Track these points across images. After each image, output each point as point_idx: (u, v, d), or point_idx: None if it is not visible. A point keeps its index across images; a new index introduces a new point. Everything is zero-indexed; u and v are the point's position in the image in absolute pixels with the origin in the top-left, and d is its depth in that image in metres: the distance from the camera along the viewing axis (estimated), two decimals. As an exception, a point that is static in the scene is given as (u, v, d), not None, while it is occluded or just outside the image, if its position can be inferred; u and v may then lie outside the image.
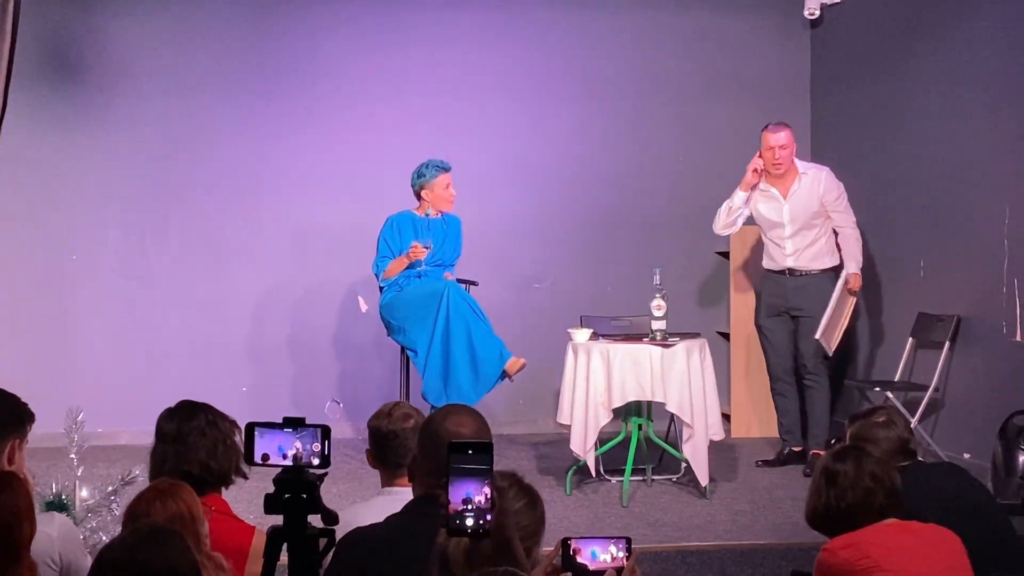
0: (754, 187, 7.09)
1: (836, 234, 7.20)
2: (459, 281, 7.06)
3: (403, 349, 6.97)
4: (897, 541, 3.50)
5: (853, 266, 7.12)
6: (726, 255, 8.18)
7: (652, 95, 8.46)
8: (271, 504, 2.59)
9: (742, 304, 7.97)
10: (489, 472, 2.23)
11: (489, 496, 2.22)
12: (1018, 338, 6.40)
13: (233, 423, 3.75)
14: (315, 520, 2.62)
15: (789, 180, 7.09)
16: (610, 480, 6.56)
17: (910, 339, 7.18)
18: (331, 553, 2.80)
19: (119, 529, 3.32)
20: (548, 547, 2.52)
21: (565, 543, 2.43)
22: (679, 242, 8.30)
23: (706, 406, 6.27)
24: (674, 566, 5.29)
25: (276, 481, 2.59)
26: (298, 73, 8.17)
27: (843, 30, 8.23)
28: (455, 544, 2.33)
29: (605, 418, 6.27)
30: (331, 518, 2.65)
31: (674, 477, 6.67)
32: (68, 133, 7.94)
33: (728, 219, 7.12)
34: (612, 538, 2.45)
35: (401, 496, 3.25)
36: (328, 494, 2.73)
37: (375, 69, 8.22)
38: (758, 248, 7.49)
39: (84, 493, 4.54)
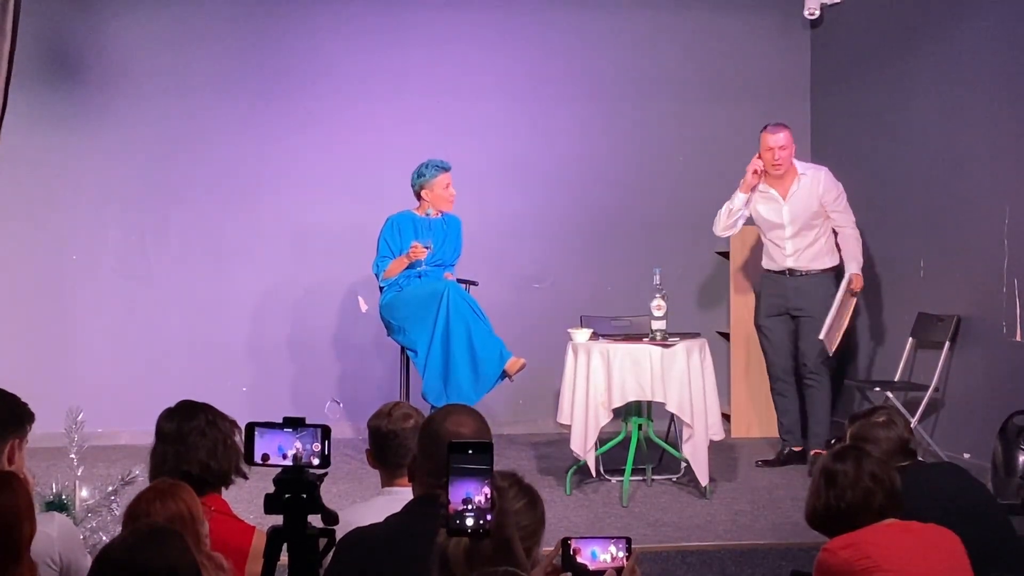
0: (753, 188, 7.09)
1: (835, 234, 7.20)
2: (459, 281, 7.06)
3: (403, 349, 6.97)
4: (897, 541, 3.50)
5: (854, 266, 7.13)
6: (726, 255, 8.18)
7: (652, 95, 8.46)
8: (271, 504, 2.59)
9: (742, 304, 7.97)
10: (489, 472, 2.23)
11: (489, 496, 2.22)
12: (1018, 338, 6.40)
13: (233, 423, 3.75)
14: (315, 520, 2.62)
15: (788, 181, 7.09)
16: (610, 480, 6.56)
17: (910, 339, 7.18)
18: (331, 553, 2.80)
19: (119, 529, 3.32)
20: (548, 547, 2.52)
21: (565, 543, 2.43)
22: (679, 242, 8.30)
23: (706, 406, 6.27)
24: (674, 566, 5.29)
25: (276, 481, 2.59)
26: (298, 73, 8.17)
27: (843, 30, 8.23)
28: (455, 544, 2.33)
29: (605, 418, 6.27)
30: (331, 518, 2.65)
31: (674, 477, 6.67)
32: (68, 133, 7.94)
33: (728, 221, 7.12)
34: (612, 538, 2.45)
35: (401, 496, 3.25)
36: (328, 494, 2.73)
37: (375, 69, 8.22)
38: (758, 248, 7.49)
39: (84, 493, 4.54)
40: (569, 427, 6.34)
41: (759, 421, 8.00)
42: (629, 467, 6.34)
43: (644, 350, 6.28)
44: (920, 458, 4.35)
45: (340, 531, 2.77)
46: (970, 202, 6.82)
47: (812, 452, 7.02)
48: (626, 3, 8.44)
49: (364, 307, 8.08)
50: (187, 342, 8.05)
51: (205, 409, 3.77)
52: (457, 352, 6.67)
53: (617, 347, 6.31)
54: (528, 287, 8.35)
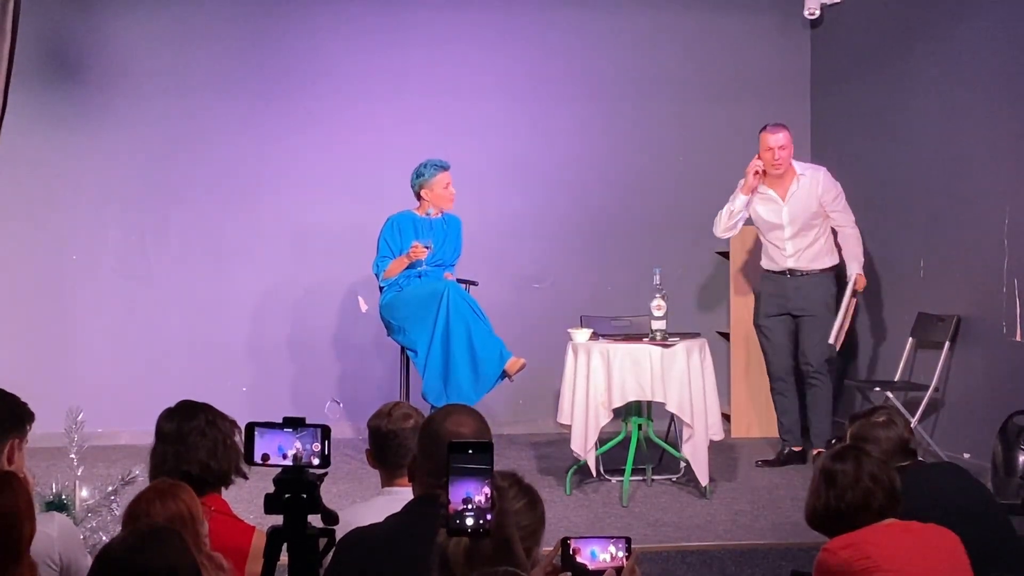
0: (754, 190, 7.08)
1: (835, 233, 7.20)
2: (459, 281, 7.06)
3: (403, 349, 6.97)
4: (897, 541, 3.50)
5: (856, 266, 7.13)
6: (726, 255, 8.18)
7: (652, 95, 8.46)
8: (271, 504, 2.59)
9: (742, 304, 7.97)
10: (489, 472, 2.23)
11: (489, 496, 2.22)
12: (1018, 338, 6.40)
13: (233, 423, 3.75)
14: (315, 520, 2.62)
15: (787, 181, 7.09)
16: (610, 480, 6.56)
17: (910, 339, 7.19)
18: (331, 553, 2.80)
19: (119, 529, 3.32)
20: (548, 547, 2.52)
21: (565, 543, 2.43)
22: (679, 242, 8.30)
23: (706, 406, 6.27)
24: (674, 566, 5.29)
25: (276, 481, 2.59)
26: (298, 73, 8.17)
27: (843, 30, 8.23)
28: (455, 544, 2.33)
29: (605, 418, 6.27)
30: (331, 518, 2.65)
31: (674, 477, 6.67)
32: (68, 133, 7.94)
33: (729, 223, 7.11)
34: (612, 538, 2.45)
35: (401, 496, 3.25)
36: (328, 494, 2.73)
37: (375, 69, 8.22)
38: (758, 248, 7.49)
39: (84, 493, 4.54)
40: (569, 427, 6.34)
41: (759, 421, 8.00)
42: (629, 467, 6.34)
43: (644, 350, 6.28)
44: (920, 458, 4.35)
45: (340, 531, 2.77)
46: (970, 202, 6.82)
47: (814, 451, 7.02)
48: (626, 3, 8.44)
49: (364, 307, 8.08)
50: (187, 342, 8.05)
51: (205, 409, 3.77)
52: (457, 352, 6.67)
53: (617, 347, 6.31)
54: (528, 287, 8.35)
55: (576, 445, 6.29)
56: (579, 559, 2.42)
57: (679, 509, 6.15)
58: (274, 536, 2.61)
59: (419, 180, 6.96)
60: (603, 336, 6.55)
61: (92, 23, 7.98)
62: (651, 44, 8.47)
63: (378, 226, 7.03)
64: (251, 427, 2.59)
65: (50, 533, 3.36)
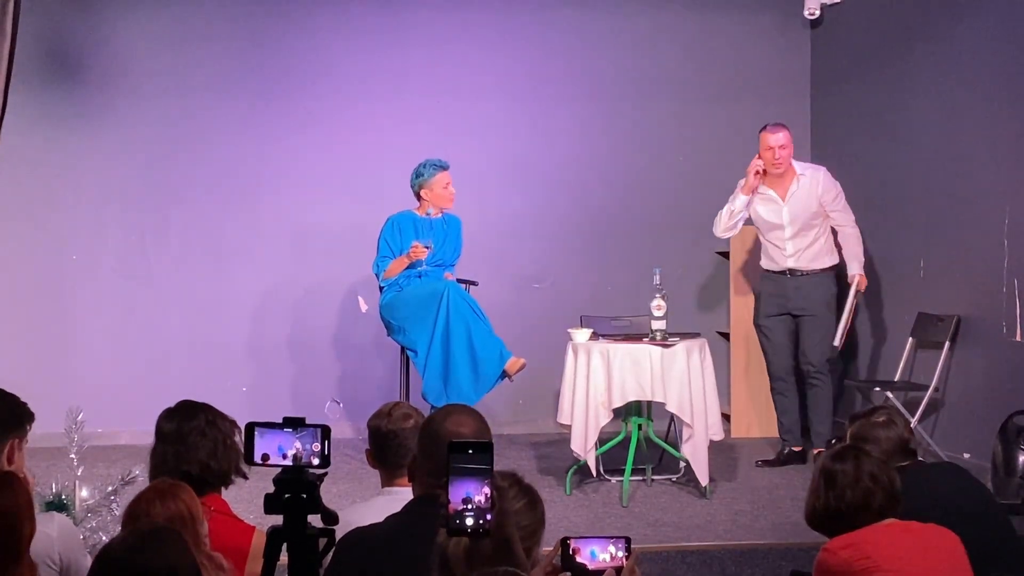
0: (754, 190, 7.08)
1: (834, 233, 7.20)
2: (459, 281, 7.06)
3: (403, 349, 6.97)
4: (897, 541, 3.50)
5: (857, 267, 7.13)
6: (726, 255, 8.18)
7: (652, 95, 8.46)
8: (271, 504, 2.59)
9: (742, 304, 7.97)
10: (489, 472, 2.23)
11: (489, 496, 2.22)
12: (1018, 338, 6.40)
13: (233, 423, 3.75)
14: (315, 520, 2.62)
15: (787, 181, 7.09)
16: (610, 480, 6.56)
17: (910, 339, 7.19)
18: (331, 553, 2.80)
19: (119, 529, 3.32)
20: (548, 547, 2.52)
21: (564, 543, 2.43)
22: (679, 242, 8.30)
23: (706, 406, 6.27)
24: (674, 566, 5.29)
25: (276, 481, 2.59)
26: (298, 73, 8.17)
27: (843, 30, 8.23)
28: (455, 544, 2.33)
29: (605, 418, 6.27)
30: (331, 518, 2.65)
31: (674, 477, 6.67)
32: (68, 133, 7.94)
33: (729, 223, 7.11)
34: (611, 538, 2.45)
35: (401, 496, 3.25)
36: (328, 494, 2.73)
37: (375, 69, 8.22)
38: (757, 248, 7.49)
39: (84, 493, 4.54)
40: (569, 427, 6.34)
41: (759, 421, 8.00)
42: (629, 467, 6.34)
43: (644, 350, 6.28)
44: (920, 458, 4.35)
45: (340, 531, 2.77)
46: (970, 202, 6.82)
47: (814, 451, 7.03)
48: (626, 3, 8.44)
49: (364, 307, 8.08)
50: (187, 342, 8.05)
51: (205, 409, 3.77)
52: (457, 352, 6.67)
53: (617, 347, 6.31)
54: (528, 287, 8.35)
55: (576, 445, 6.29)
56: (579, 559, 2.42)
57: (679, 509, 6.15)
58: (274, 536, 2.61)
59: (418, 180, 6.96)
60: (603, 336, 6.55)
61: (92, 23, 7.98)
62: (651, 44, 8.47)
63: (378, 226, 7.03)
64: (251, 427, 2.59)
65: (50, 533, 3.36)
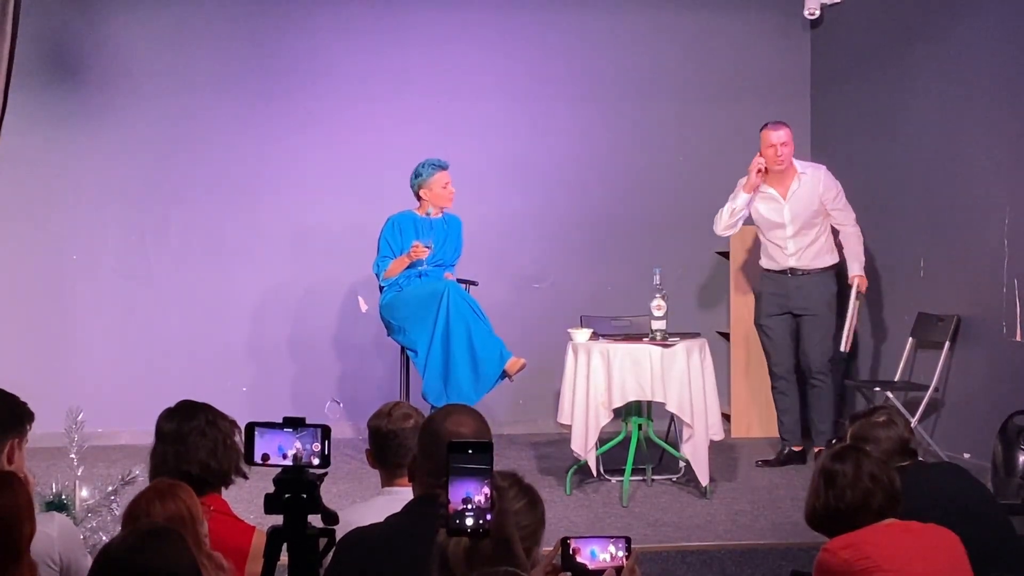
0: (756, 188, 7.07)
1: (835, 232, 7.20)
2: (459, 281, 7.06)
3: (403, 349, 6.97)
4: (897, 541, 3.50)
5: (857, 267, 7.13)
6: (726, 255, 8.18)
7: (652, 95, 8.46)
8: (271, 504, 2.59)
9: (742, 304, 7.97)
10: (489, 472, 2.23)
11: (489, 496, 2.22)
12: (1018, 338, 6.40)
13: (233, 423, 3.75)
14: (315, 520, 2.62)
15: (788, 180, 7.09)
16: (610, 480, 6.56)
17: (910, 339, 7.19)
18: (331, 553, 2.80)
19: (119, 529, 3.32)
20: (548, 547, 2.52)
21: (564, 542, 2.43)
22: (679, 242, 8.30)
23: (706, 406, 6.27)
24: (674, 566, 5.29)
25: (276, 481, 2.59)
26: (298, 73, 8.17)
27: (843, 30, 8.23)
28: (455, 544, 2.33)
29: (605, 418, 6.27)
30: (331, 518, 2.65)
31: (674, 477, 6.67)
32: (68, 133, 7.94)
33: (730, 221, 7.10)
34: (611, 537, 2.45)
35: (401, 496, 3.25)
36: (328, 494, 2.73)
37: (375, 69, 8.22)
38: (757, 248, 7.49)
39: (84, 493, 4.54)
40: (569, 427, 6.34)
41: (759, 421, 8.00)
42: (629, 467, 6.34)
43: (644, 350, 6.28)
44: (920, 458, 4.35)
45: (340, 531, 2.77)
46: (970, 202, 6.82)
47: (815, 450, 7.02)
48: (626, 3, 8.44)
49: (364, 307, 8.08)
50: (187, 342, 8.05)
51: (205, 409, 3.77)
52: (457, 352, 6.67)
53: (617, 347, 6.31)
54: (528, 287, 8.35)
55: (576, 445, 6.29)
56: (579, 559, 2.42)
57: (679, 509, 6.15)
58: (274, 536, 2.61)
59: (417, 180, 6.96)
60: (603, 336, 6.55)
61: (92, 23, 7.98)
62: (651, 44, 8.47)
63: (378, 226, 7.04)
64: (251, 427, 2.59)
65: (50, 533, 3.36)
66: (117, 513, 4.33)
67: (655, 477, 6.69)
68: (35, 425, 3.62)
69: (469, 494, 2.21)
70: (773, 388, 7.32)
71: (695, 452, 6.25)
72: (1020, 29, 6.42)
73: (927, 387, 6.88)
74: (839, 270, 7.23)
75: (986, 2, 6.74)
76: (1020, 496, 5.79)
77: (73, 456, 4.58)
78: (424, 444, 3.06)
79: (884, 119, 7.70)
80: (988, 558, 3.74)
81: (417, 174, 6.97)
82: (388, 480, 3.78)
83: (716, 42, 8.50)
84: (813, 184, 7.09)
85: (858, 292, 7.14)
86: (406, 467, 3.41)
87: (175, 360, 7.98)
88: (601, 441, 6.40)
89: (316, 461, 2.56)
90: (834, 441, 5.42)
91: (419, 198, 7.00)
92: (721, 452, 7.05)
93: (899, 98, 7.53)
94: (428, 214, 6.99)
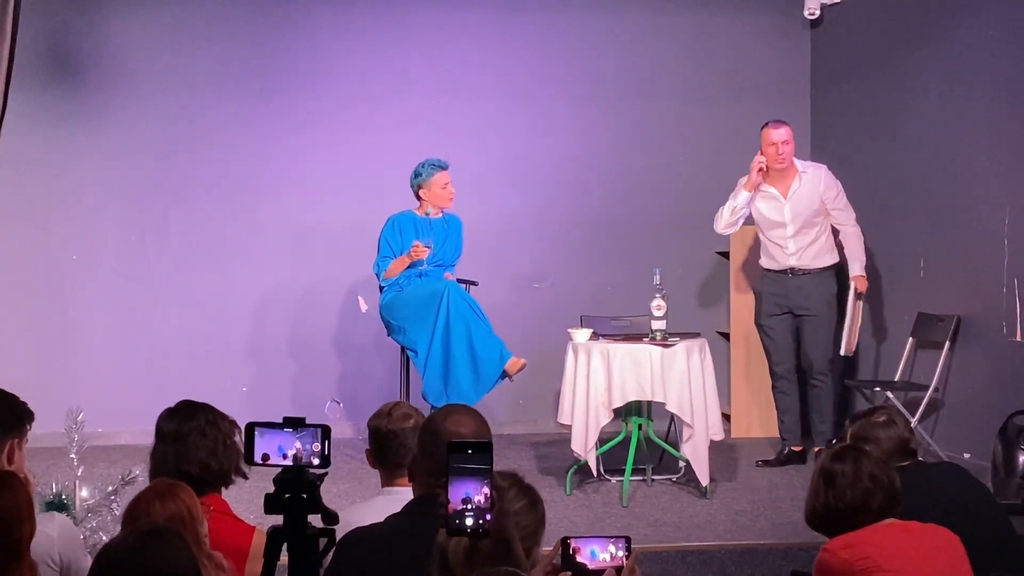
0: (757, 186, 7.07)
1: (835, 232, 7.20)
2: (459, 281, 7.06)
3: (403, 349, 6.97)
4: (897, 541, 3.50)
5: (858, 267, 7.13)
6: (726, 255, 8.18)
7: (652, 95, 8.46)
8: (271, 504, 2.59)
9: (742, 304, 7.97)
10: (489, 472, 2.23)
11: (488, 496, 2.22)
12: (1018, 338, 6.40)
13: (233, 423, 3.75)
14: (315, 520, 2.62)
15: (789, 179, 7.09)
16: (610, 480, 6.56)
17: (910, 339, 7.18)
18: (331, 553, 2.80)
19: (119, 529, 3.32)
20: (548, 547, 2.52)
21: (565, 542, 2.43)
22: (679, 242, 8.30)
23: (706, 406, 6.27)
24: (674, 566, 5.29)
25: (276, 481, 2.59)
26: (298, 73, 8.17)
27: (843, 30, 8.23)
28: (455, 544, 2.33)
29: (605, 418, 6.27)
30: (331, 518, 2.65)
31: (674, 477, 6.67)
32: (68, 133, 7.94)
33: (731, 219, 7.10)
34: (611, 537, 2.45)
35: (401, 496, 3.25)
36: (328, 494, 2.73)
37: (375, 69, 8.22)
38: (757, 248, 7.48)
39: (84, 493, 4.54)
40: (569, 427, 6.34)
41: (759, 421, 8.00)
42: (629, 467, 6.34)
43: (644, 350, 6.28)
44: (920, 458, 4.35)
45: (340, 531, 2.77)
46: (970, 202, 6.82)
47: (815, 449, 7.02)
48: (626, 3, 8.44)
49: (364, 307, 8.08)
50: (187, 342, 8.05)
51: (205, 409, 3.77)
52: (457, 352, 6.67)
53: (617, 347, 6.31)
54: (528, 287, 8.35)
55: (576, 445, 6.29)
56: (579, 559, 2.42)
57: (679, 509, 6.15)
58: (274, 536, 2.61)
59: (417, 180, 6.97)
60: (603, 336, 6.55)
61: (92, 23, 7.98)
62: (651, 44, 8.47)
63: (378, 226, 7.04)
64: (251, 427, 2.59)
65: (50, 533, 3.36)
66: (117, 513, 4.33)
67: (655, 477, 6.69)
68: (35, 425, 3.62)
69: (469, 494, 2.21)
70: (774, 388, 7.32)
71: (695, 452, 6.25)
72: (1020, 29, 6.42)
73: (927, 387, 6.88)
74: (839, 270, 7.23)
75: (986, 2, 6.74)
76: (1020, 496, 5.79)
77: (73, 456, 4.58)
78: (424, 444, 3.06)
79: (884, 119, 7.70)
80: (988, 558, 3.74)
81: (417, 174, 6.97)
82: (388, 480, 3.78)
83: (716, 42, 8.50)
84: (814, 183, 7.08)
85: (858, 293, 7.13)
86: (406, 467, 3.41)
87: (175, 360, 7.98)
88: (601, 441, 6.40)
89: (316, 461, 2.56)
90: (834, 441, 5.42)
91: (419, 198, 7.00)
92: (721, 452, 7.05)
93: (899, 98, 7.53)
94: (428, 214, 6.99)
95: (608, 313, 7.23)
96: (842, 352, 7.20)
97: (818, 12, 8.28)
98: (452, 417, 3.05)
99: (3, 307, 7.83)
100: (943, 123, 7.10)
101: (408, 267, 6.87)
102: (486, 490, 2.22)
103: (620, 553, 2.43)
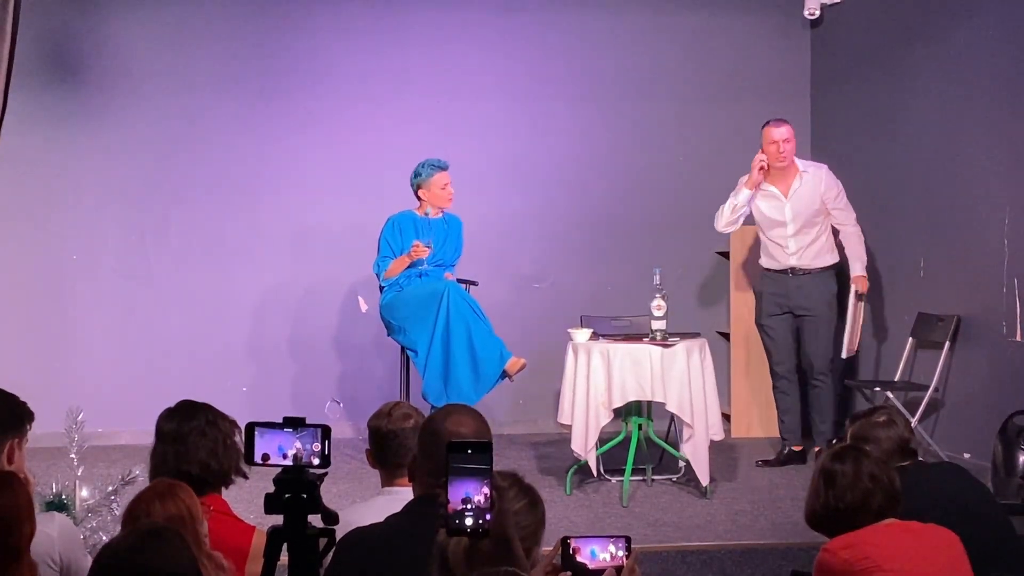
0: (758, 185, 7.07)
1: (835, 232, 7.20)
2: (459, 281, 7.06)
3: (403, 349, 6.97)
4: (897, 541, 3.50)
5: (859, 268, 7.13)
6: (726, 255, 8.18)
7: (652, 95, 8.46)
8: (271, 504, 2.59)
9: (742, 304, 7.97)
10: (488, 472, 2.23)
11: (488, 496, 2.22)
12: (1018, 338, 6.40)
13: (233, 423, 3.75)
14: (315, 520, 2.62)
15: (790, 178, 7.09)
16: (610, 480, 6.56)
17: (910, 339, 7.18)
18: (331, 553, 2.80)
19: (119, 529, 3.32)
20: (548, 547, 2.52)
21: (565, 542, 2.43)
22: (679, 242, 8.30)
23: (706, 406, 6.27)
24: (674, 566, 5.29)
25: (276, 481, 2.59)
26: (298, 73, 8.17)
27: (843, 30, 8.23)
28: (455, 544, 2.33)
29: (605, 418, 6.27)
30: (331, 518, 2.65)
31: (674, 477, 6.67)
32: (68, 133, 7.94)
33: (732, 217, 7.10)
34: (611, 537, 2.45)
35: (401, 496, 3.25)
36: (328, 494, 2.73)
37: (375, 69, 8.22)
38: (757, 247, 7.48)
39: (84, 493, 4.54)
40: (569, 427, 6.34)
41: (759, 421, 8.00)
42: (629, 467, 6.34)
43: (644, 350, 6.28)
44: (920, 458, 4.35)
45: (340, 531, 2.77)
46: (970, 202, 6.82)
47: (815, 449, 7.02)
48: (626, 3, 8.44)
49: (364, 307, 8.08)
50: (187, 342, 8.05)
51: (205, 409, 3.77)
52: (457, 352, 6.67)
53: (617, 347, 6.31)
54: (528, 287, 8.35)
55: (576, 445, 6.29)
56: (579, 558, 2.42)
57: (679, 509, 6.15)
58: (274, 536, 2.61)
59: (417, 180, 6.97)
60: (603, 336, 6.55)
61: (92, 23, 7.98)
62: (651, 44, 8.47)
63: (378, 226, 7.04)
64: (251, 427, 2.59)
65: (50, 533, 3.36)
66: (117, 513, 4.33)
67: (655, 477, 6.69)
68: (35, 425, 3.62)
69: (469, 494, 2.21)
70: (775, 388, 7.32)
71: (695, 452, 6.25)
72: (1020, 29, 6.42)
73: (927, 387, 6.88)
74: (840, 270, 7.23)
75: (986, 2, 6.74)
76: (1020, 496, 5.79)
77: (73, 456, 4.58)
78: (424, 444, 3.06)
79: (884, 119, 7.70)
80: (988, 558, 3.74)
81: (416, 174, 6.97)
82: (388, 480, 3.78)
83: (716, 42, 8.50)
84: (815, 183, 7.08)
85: (859, 293, 7.13)
86: (406, 467, 3.41)
87: (175, 360, 7.98)
88: (601, 441, 6.40)
89: (316, 461, 2.56)
90: (834, 441, 5.42)
91: (418, 198, 7.01)
92: (721, 452, 7.05)
93: (899, 98, 7.53)
94: (427, 214, 7.00)
95: (608, 313, 7.23)
96: (844, 354, 7.20)
97: (818, 12, 8.28)
98: (452, 417, 3.06)
99: (3, 307, 7.84)
100: (943, 123, 7.10)
101: (408, 267, 6.87)
102: (486, 490, 2.22)
103: (620, 553, 2.43)
